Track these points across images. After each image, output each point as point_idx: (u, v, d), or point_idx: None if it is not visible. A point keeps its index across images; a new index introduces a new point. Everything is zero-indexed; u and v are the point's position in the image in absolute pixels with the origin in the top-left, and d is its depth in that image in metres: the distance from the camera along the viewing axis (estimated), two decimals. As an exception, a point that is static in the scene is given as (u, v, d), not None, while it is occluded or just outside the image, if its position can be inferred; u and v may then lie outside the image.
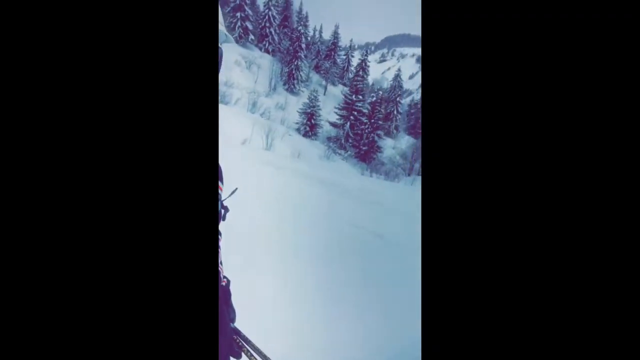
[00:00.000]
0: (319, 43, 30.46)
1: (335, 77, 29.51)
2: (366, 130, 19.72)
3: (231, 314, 0.90)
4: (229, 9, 23.03)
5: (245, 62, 21.83)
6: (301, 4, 28.76)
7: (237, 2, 22.75)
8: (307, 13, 28.43)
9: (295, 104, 20.59)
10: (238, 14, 22.85)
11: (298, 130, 18.78)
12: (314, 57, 29.05)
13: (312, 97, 18.94)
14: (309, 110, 18.78)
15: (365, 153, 19.46)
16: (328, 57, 29.55)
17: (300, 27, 24.38)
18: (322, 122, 19.97)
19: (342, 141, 19.57)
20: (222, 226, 0.99)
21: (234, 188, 1.07)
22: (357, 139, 19.85)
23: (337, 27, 29.30)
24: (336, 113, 20.78)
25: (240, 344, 0.87)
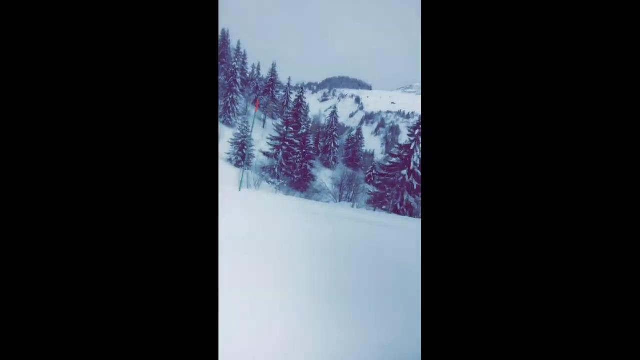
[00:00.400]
0: (257, 79, 31.46)
1: (274, 111, 30.36)
2: (298, 160, 20.10)
3: None
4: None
5: (177, 94, 21.52)
6: (239, 42, 29.91)
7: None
8: (245, 51, 29.56)
9: (231, 136, 20.53)
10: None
11: (230, 160, 18.52)
12: (252, 92, 29.82)
13: (243, 127, 19.04)
14: (239, 141, 18.76)
15: (299, 181, 19.65)
16: (266, 93, 30.55)
17: (235, 63, 25.10)
18: (256, 152, 20.00)
19: (276, 170, 19.65)
20: None
21: None
22: (291, 169, 20.09)
23: (274, 65, 30.80)
24: (269, 143, 21.03)
25: None
